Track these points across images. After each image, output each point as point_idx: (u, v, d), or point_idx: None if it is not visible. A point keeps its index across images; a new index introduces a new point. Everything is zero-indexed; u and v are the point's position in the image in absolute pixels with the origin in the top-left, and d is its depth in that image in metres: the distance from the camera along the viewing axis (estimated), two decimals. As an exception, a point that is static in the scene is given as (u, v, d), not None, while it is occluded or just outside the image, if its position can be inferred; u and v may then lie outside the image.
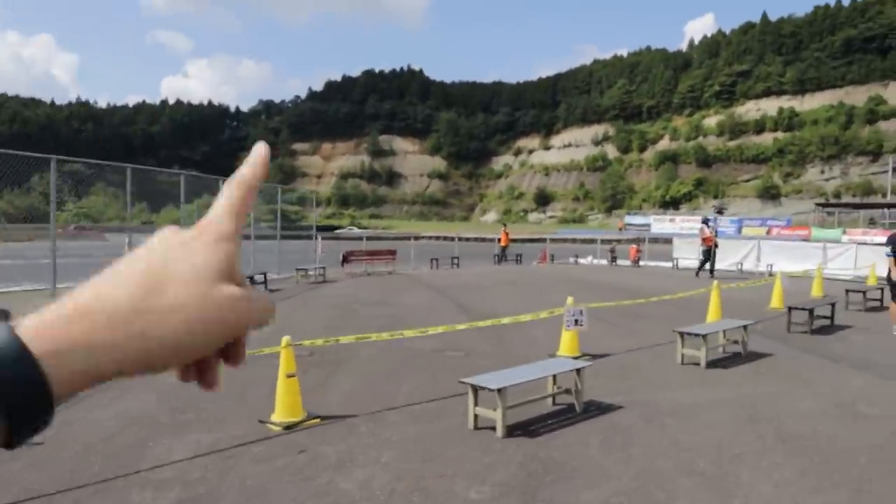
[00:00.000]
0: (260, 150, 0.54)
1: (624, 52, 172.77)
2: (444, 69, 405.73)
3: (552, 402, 6.76)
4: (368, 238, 34.17)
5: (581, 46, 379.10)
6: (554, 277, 22.36)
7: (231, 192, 0.52)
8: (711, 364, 8.49)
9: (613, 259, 28.88)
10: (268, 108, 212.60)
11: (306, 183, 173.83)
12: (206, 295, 0.48)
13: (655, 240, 38.23)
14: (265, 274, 17.81)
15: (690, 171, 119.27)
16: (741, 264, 23.11)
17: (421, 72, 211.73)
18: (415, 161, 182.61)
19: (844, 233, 50.18)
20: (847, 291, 13.98)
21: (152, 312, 0.46)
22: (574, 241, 51.03)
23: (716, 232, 21.62)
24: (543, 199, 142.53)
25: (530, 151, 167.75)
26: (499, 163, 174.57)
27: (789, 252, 23.79)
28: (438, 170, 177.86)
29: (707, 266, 20.73)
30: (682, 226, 58.31)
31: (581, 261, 30.69)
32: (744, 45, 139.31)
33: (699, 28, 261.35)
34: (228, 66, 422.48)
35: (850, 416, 6.38)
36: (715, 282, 11.46)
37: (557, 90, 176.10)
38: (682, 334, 8.61)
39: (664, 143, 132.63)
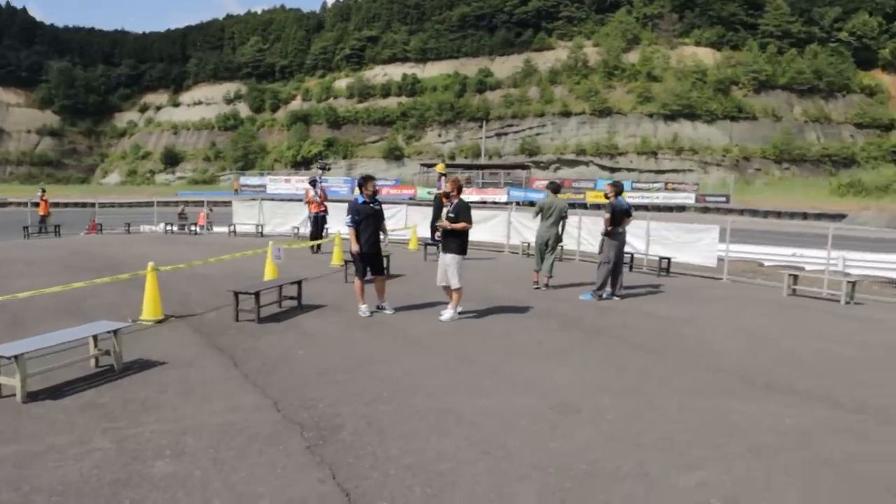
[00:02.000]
0: None
1: (259, 10, 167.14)
2: (55, 11, 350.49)
3: None
4: None
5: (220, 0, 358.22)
6: (57, 251, 18.18)
7: None
8: (40, 394, 5.89)
9: (182, 226, 25.62)
10: None
11: None
12: None
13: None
14: None
15: (322, 131, 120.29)
16: (298, 228, 21.51)
17: (24, 11, 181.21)
18: (20, 115, 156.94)
19: (445, 192, 52.95)
20: (345, 261, 12.70)
21: None
22: (178, 204, 46.17)
23: (325, 194, 18.47)
24: (172, 159, 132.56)
25: (158, 108, 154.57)
26: (122, 119, 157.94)
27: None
28: (50, 126, 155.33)
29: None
30: (298, 185, 56.66)
31: (148, 228, 26.86)
32: (373, 12, 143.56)
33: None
34: None
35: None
36: (151, 263, 8.97)
37: (188, 44, 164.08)
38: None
39: (296, 104, 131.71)
